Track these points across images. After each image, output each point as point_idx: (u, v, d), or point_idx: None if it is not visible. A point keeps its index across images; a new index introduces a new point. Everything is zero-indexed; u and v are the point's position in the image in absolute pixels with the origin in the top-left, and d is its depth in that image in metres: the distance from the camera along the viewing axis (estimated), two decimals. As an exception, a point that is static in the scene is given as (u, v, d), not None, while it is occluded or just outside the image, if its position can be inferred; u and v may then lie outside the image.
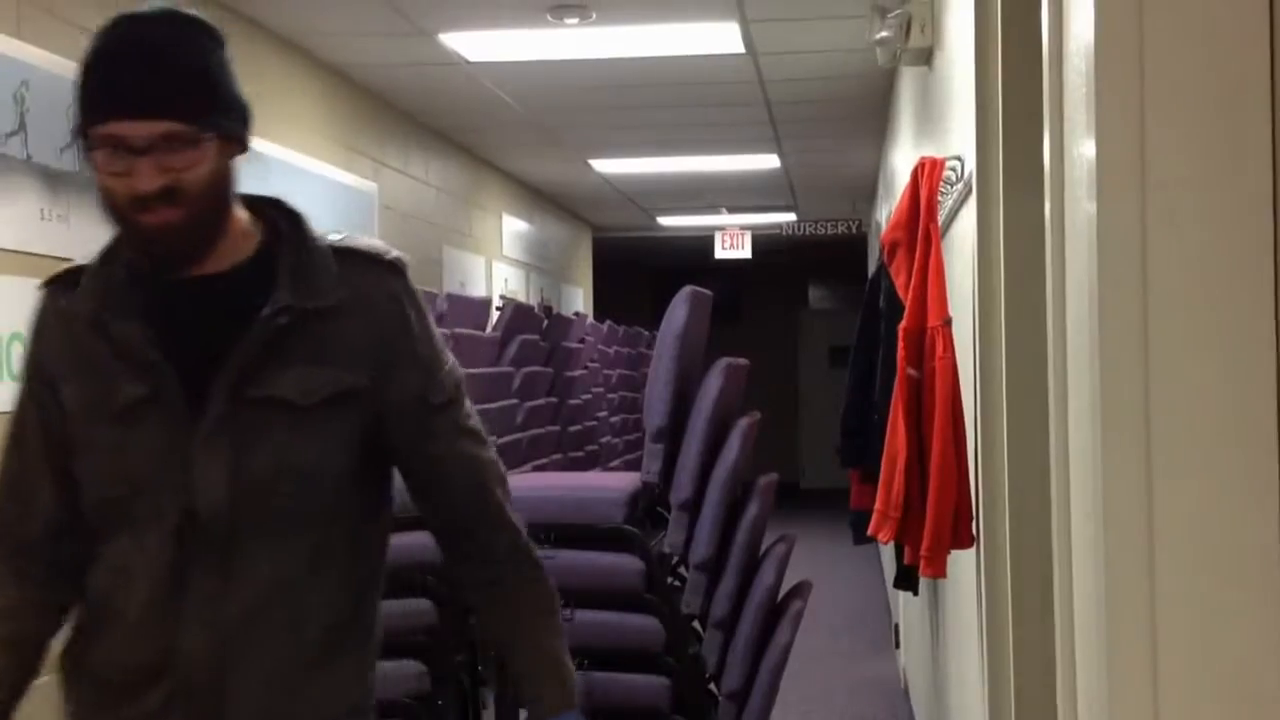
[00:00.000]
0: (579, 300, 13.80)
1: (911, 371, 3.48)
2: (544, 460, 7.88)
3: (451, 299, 6.97)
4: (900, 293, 3.83)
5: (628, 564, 4.52)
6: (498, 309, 8.13)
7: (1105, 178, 1.65)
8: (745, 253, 13.76)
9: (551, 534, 4.52)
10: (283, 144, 6.24)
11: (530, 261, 11.62)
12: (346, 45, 6.67)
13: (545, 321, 8.63)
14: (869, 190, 11.93)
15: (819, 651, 8.38)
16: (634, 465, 9.07)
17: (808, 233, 13.79)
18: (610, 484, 4.78)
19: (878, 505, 3.63)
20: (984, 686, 3.30)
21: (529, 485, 4.82)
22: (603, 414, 10.07)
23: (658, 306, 5.03)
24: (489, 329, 7.73)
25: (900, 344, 3.54)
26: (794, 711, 6.96)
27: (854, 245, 14.72)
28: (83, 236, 4.47)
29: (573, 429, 8.89)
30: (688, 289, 4.81)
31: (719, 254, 13.84)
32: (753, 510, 4.58)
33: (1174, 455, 1.62)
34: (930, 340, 3.44)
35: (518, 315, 7.94)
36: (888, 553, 6.89)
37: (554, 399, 8.43)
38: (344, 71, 7.13)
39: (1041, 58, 1.92)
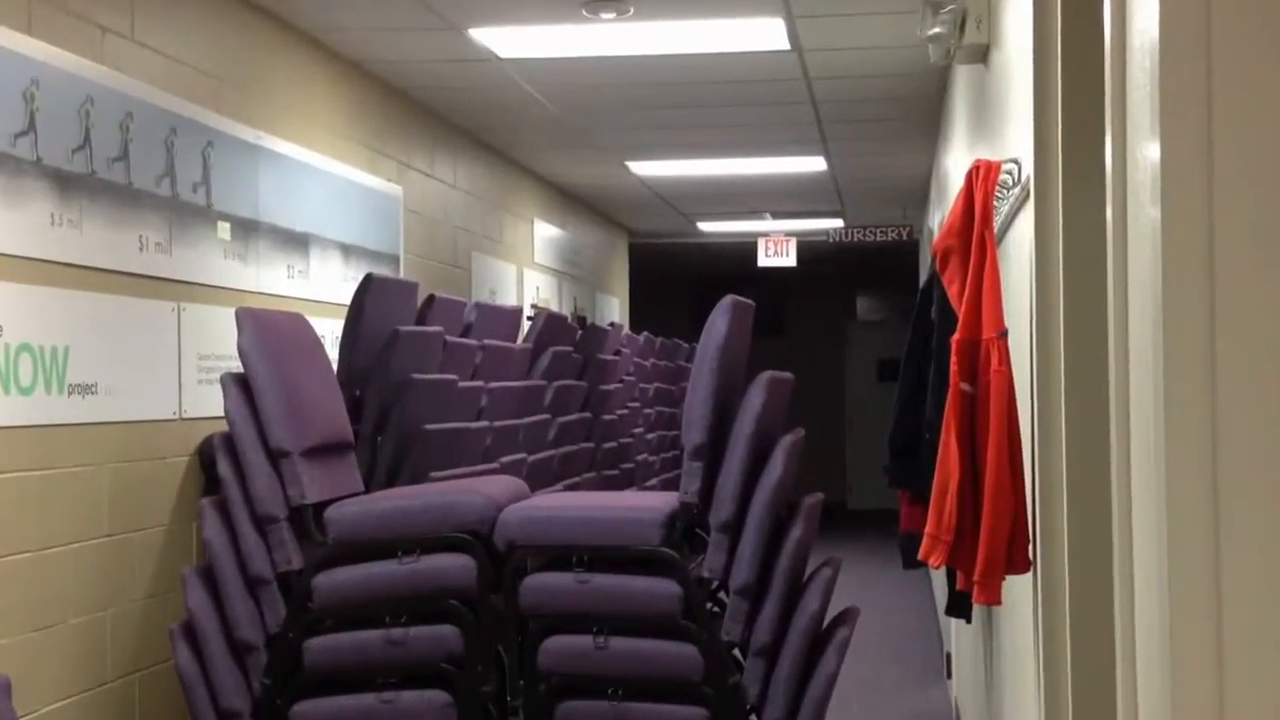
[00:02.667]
0: (614, 310, 13.81)
1: (965, 386, 3.47)
2: (577, 479, 7.88)
3: (480, 308, 6.99)
4: (953, 303, 3.82)
5: (665, 588, 4.53)
6: (529, 319, 8.15)
7: (1170, 181, 1.64)
8: (790, 260, 13.76)
9: (584, 557, 4.53)
10: (303, 143, 6.27)
11: (563, 269, 11.64)
12: (371, 40, 6.70)
13: (579, 332, 8.64)
14: (920, 195, 11.91)
15: (866, 681, 8.35)
16: (671, 485, 9.07)
17: (855, 239, 13.77)
18: (646, 504, 4.78)
19: (928, 528, 3.62)
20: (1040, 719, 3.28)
21: (561, 505, 4.83)
22: (639, 430, 10.07)
23: (697, 317, 5.04)
24: (519, 340, 7.75)
25: (953, 357, 3.53)
26: (840, 746, 6.93)
27: (904, 253, 14.70)
28: (95, 242, 4.50)
29: (607, 446, 8.89)
30: (729, 299, 4.81)
31: (762, 262, 13.84)
32: (797, 532, 4.57)
33: (1242, 474, 1.61)
34: (985, 353, 3.42)
35: (550, 326, 7.95)
36: (940, 578, 6.86)
37: (588, 414, 8.44)
38: (368, 68, 7.16)
39: (1103, 54, 1.91)
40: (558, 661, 4.57)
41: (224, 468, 4.71)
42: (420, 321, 6.10)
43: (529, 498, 5.06)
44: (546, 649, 4.57)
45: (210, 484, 5.01)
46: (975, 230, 3.64)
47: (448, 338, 6.17)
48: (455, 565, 4.63)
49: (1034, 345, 3.25)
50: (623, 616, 4.49)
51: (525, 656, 4.61)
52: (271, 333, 4.85)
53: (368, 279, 5.66)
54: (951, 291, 3.91)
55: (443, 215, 8.51)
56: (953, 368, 3.53)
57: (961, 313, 3.59)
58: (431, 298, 6.33)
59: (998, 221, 3.83)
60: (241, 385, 4.75)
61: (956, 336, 3.54)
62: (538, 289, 10.72)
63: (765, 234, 13.81)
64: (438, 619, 4.61)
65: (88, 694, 4.54)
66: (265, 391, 4.69)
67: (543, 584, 4.58)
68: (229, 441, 4.75)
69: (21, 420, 4.18)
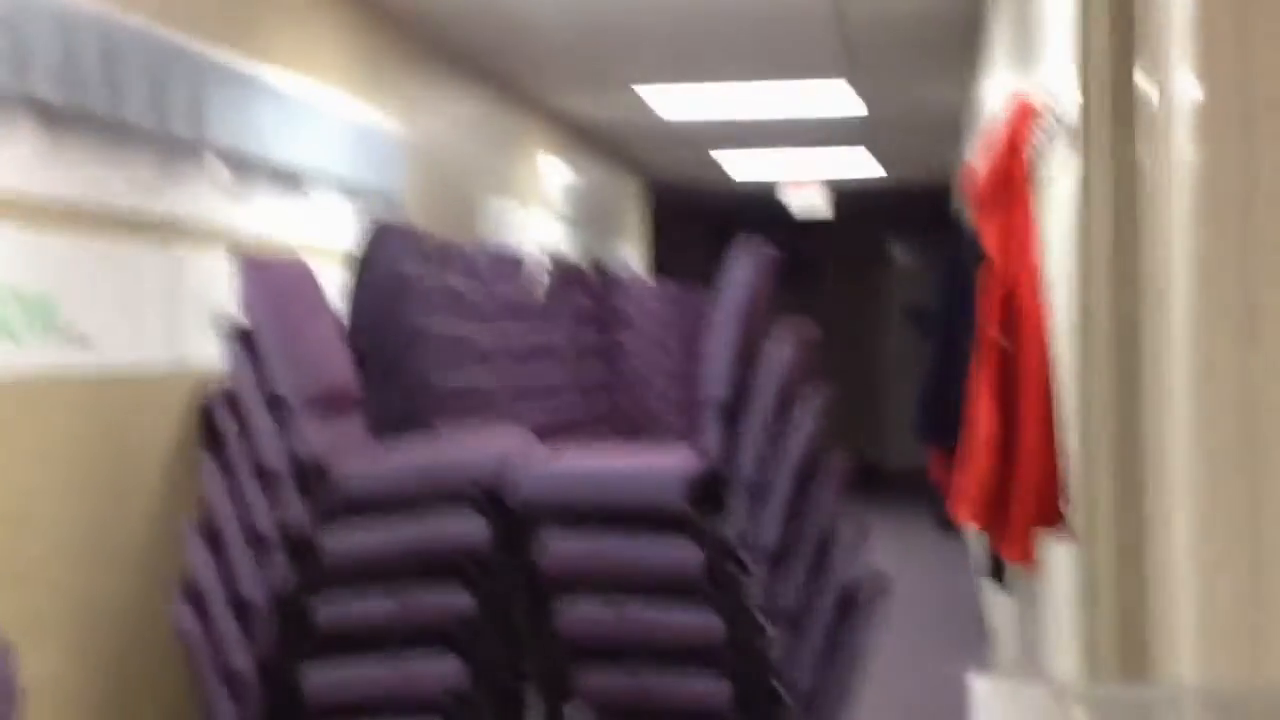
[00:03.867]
0: (631, 257, 13.83)
1: (999, 338, 3.51)
2: (591, 435, 7.93)
3: (492, 255, 7.02)
4: (989, 250, 3.86)
5: (686, 551, 4.57)
6: (541, 265, 8.19)
7: (1209, 121, 1.67)
8: (819, 203, 13.75)
9: (597, 516, 4.58)
10: (302, 73, 6.25)
11: (578, 212, 11.66)
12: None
13: (595, 280, 8.68)
14: (957, 131, 11.89)
15: (900, 651, 8.41)
16: (691, 444, 9.10)
17: (892, 180, 13.74)
18: (665, 462, 4.82)
19: (958, 482, 3.67)
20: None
21: (577, 462, 4.88)
22: (656, 384, 10.11)
23: (717, 264, 5.07)
24: (530, 288, 7.78)
25: (988, 307, 3.57)
26: (870, 719, 6.99)
27: (943, 196, 14.68)
28: (82, 179, 4.54)
29: (622, 401, 8.94)
30: (752, 244, 4.84)
31: (790, 205, 13.83)
32: (825, 493, 4.62)
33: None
34: (1021, 304, 3.46)
35: (567, 274, 7.99)
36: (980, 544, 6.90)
37: (604, 366, 8.48)
38: None
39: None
40: (575, 627, 4.63)
41: (225, 421, 4.77)
42: (430, 269, 6.14)
43: (543, 454, 5.10)
44: (563, 613, 4.63)
45: (211, 438, 5.06)
46: (1011, 171, 3.67)
47: (458, 287, 6.21)
48: (468, 524, 4.69)
49: (1076, 295, 3.28)
50: (640, 581, 4.55)
51: (540, 622, 4.67)
52: (274, 282, 4.90)
53: (376, 224, 5.68)
54: (987, 238, 3.95)
55: (449, 154, 8.53)
56: (987, 318, 3.58)
57: (997, 261, 3.63)
58: (440, 243, 6.35)
59: (1038, 162, 3.85)
60: (243, 337, 4.81)
61: (990, 283, 3.58)
62: (549, 232, 10.75)
63: (791, 180, 13.79)
64: (450, 580, 4.67)
65: (85, 657, 4.60)
66: (268, 343, 4.75)
67: (559, 544, 4.63)
68: (230, 394, 4.80)
69: (9, 369, 4.23)
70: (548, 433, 6.77)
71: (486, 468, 4.75)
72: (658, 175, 14.76)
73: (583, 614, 4.63)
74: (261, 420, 4.73)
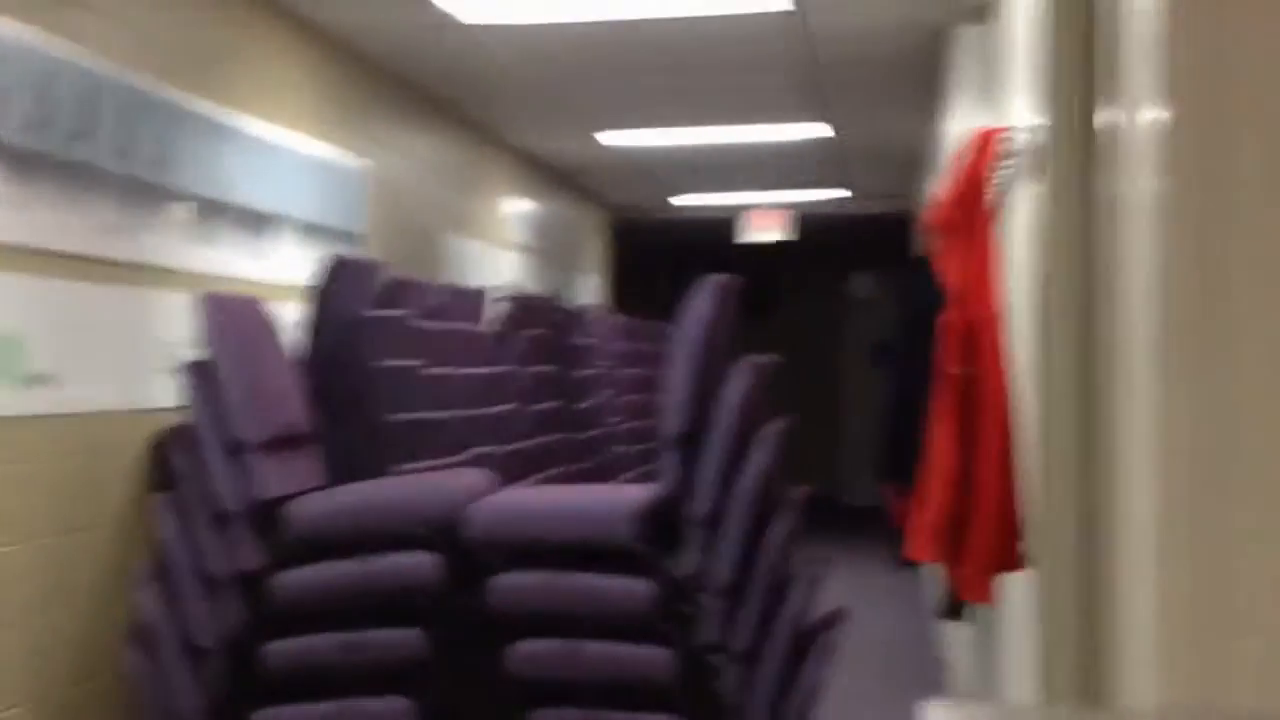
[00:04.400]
0: (591, 290, 13.79)
1: (957, 370, 3.47)
2: (550, 472, 7.87)
3: (449, 291, 6.97)
4: (948, 281, 3.82)
5: (637, 587, 4.52)
6: (500, 301, 8.13)
7: (1176, 150, 1.64)
8: (778, 235, 13.74)
9: (549, 552, 4.52)
10: (266, 118, 6.24)
11: (538, 247, 11.62)
12: (335, 6, 6.67)
13: (554, 315, 8.63)
14: (921, 165, 11.91)
15: (854, 692, 8.36)
16: (650, 478, 9.05)
17: (851, 211, 13.76)
18: (619, 497, 4.77)
19: (916, 520, 3.62)
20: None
21: (529, 499, 4.83)
22: (615, 419, 10.06)
23: (680, 297, 5.03)
24: (488, 323, 7.73)
25: (947, 339, 3.53)
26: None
27: (904, 228, 14.70)
28: (48, 224, 4.48)
29: (581, 436, 8.88)
30: (712, 277, 4.80)
31: (746, 237, 13.82)
32: (781, 527, 4.57)
33: (1250, 467, 1.61)
34: (981, 336, 3.42)
35: (523, 308, 7.93)
36: (935, 579, 6.87)
37: (561, 402, 8.42)
38: (332, 37, 7.13)
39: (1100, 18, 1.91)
40: (527, 666, 4.57)
41: (180, 461, 4.69)
42: (386, 305, 6.08)
43: (497, 491, 5.05)
44: (515, 652, 4.57)
45: (164, 479, 4.99)
46: (973, 203, 3.64)
47: (414, 322, 6.15)
48: (420, 563, 4.63)
49: (1038, 327, 3.24)
50: (592, 617, 4.49)
51: (493, 661, 4.60)
52: (232, 319, 4.84)
53: (333, 261, 5.63)
54: (946, 269, 3.91)
55: (411, 192, 8.49)
56: (946, 351, 3.53)
57: (957, 291, 3.59)
58: (397, 280, 6.30)
59: (997, 194, 3.82)
60: (201, 374, 4.74)
61: (950, 317, 3.54)
62: (511, 268, 10.71)
63: (752, 206, 13.79)
64: (402, 620, 4.60)
65: (33, 702, 4.51)
66: (227, 380, 4.69)
67: (510, 582, 4.57)
68: (185, 434, 4.73)
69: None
70: (505, 470, 6.71)
71: (440, 506, 4.70)
72: (619, 207, 14.75)
73: (535, 652, 4.56)
74: (216, 460, 4.66)
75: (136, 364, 5.02)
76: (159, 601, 4.60)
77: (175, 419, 4.96)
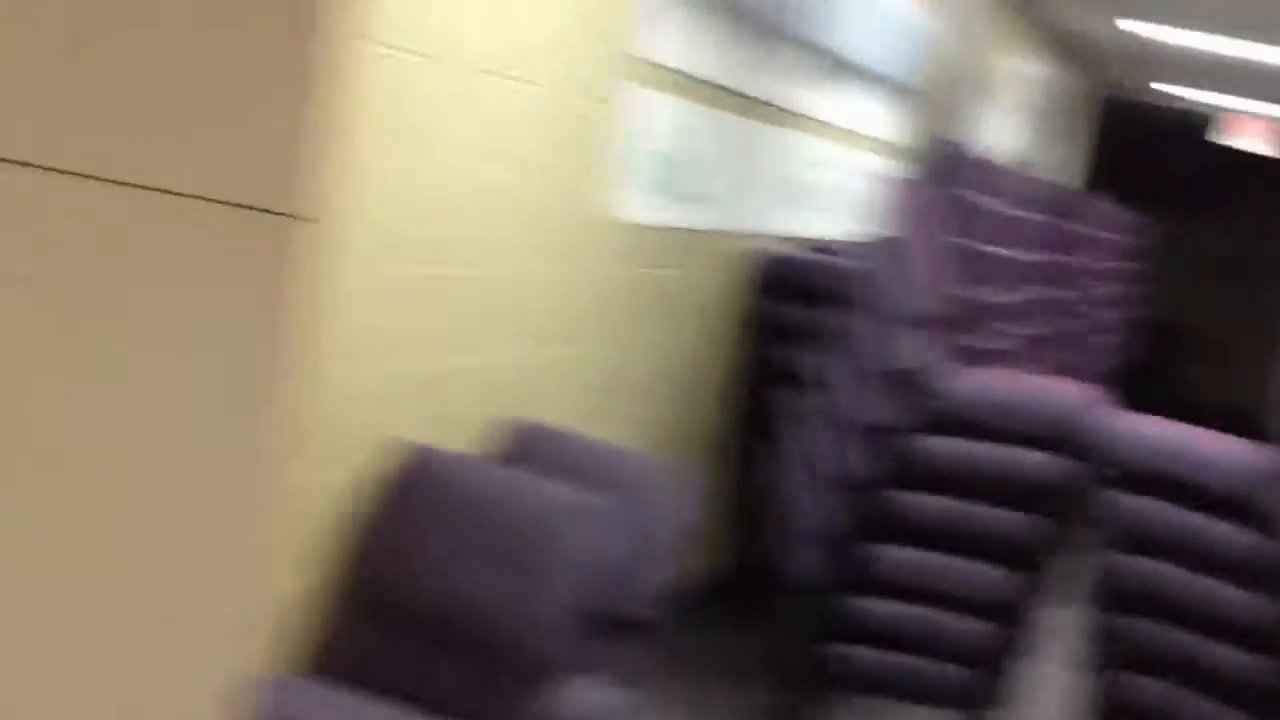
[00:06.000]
0: (1072, 166, 13.48)
1: None
2: (1043, 364, 7.81)
3: (973, 161, 6.92)
4: None
5: (1245, 537, 4.55)
6: (1023, 178, 8.03)
7: None
8: (1262, 147, 13.24)
9: (1169, 486, 4.60)
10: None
11: (1037, 118, 11.43)
12: None
13: (1067, 199, 8.51)
14: None
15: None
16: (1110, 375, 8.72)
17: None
18: (1248, 452, 4.79)
19: None
20: None
21: (1176, 436, 4.87)
22: (1093, 311, 9.89)
23: (1154, 184, 5.04)
24: (1008, 201, 7.63)
25: None
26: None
27: None
28: (719, 63, 4.72)
29: (1070, 327, 8.78)
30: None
31: (1224, 140, 13.35)
32: None
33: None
34: None
35: (1049, 191, 7.84)
36: None
37: (1062, 292, 8.34)
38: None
39: None
40: (1132, 581, 4.74)
41: (847, 320, 4.90)
42: (986, 194, 6.16)
43: (1108, 410, 5.10)
44: (1126, 564, 4.73)
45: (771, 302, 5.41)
46: None
47: (983, 205, 6.17)
48: (1052, 465, 4.88)
49: None
50: (1202, 553, 4.58)
51: (1104, 574, 4.79)
52: (917, 202, 5.10)
53: (943, 145, 5.79)
54: None
55: (951, 50, 8.40)
56: None
57: None
58: (999, 169, 6.41)
59: None
60: (888, 247, 4.97)
61: None
62: (1008, 132, 10.57)
63: (1236, 111, 13.29)
64: (1017, 505, 4.87)
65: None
66: (898, 256, 4.88)
67: (1135, 505, 4.72)
68: (852, 292, 4.94)
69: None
70: (1014, 354, 6.71)
71: (1067, 415, 4.82)
72: (1107, 86, 14.27)
73: (1148, 571, 4.71)
74: (886, 326, 4.90)
75: (756, 191, 5.47)
76: (821, 438, 4.86)
77: (778, 246, 5.56)
